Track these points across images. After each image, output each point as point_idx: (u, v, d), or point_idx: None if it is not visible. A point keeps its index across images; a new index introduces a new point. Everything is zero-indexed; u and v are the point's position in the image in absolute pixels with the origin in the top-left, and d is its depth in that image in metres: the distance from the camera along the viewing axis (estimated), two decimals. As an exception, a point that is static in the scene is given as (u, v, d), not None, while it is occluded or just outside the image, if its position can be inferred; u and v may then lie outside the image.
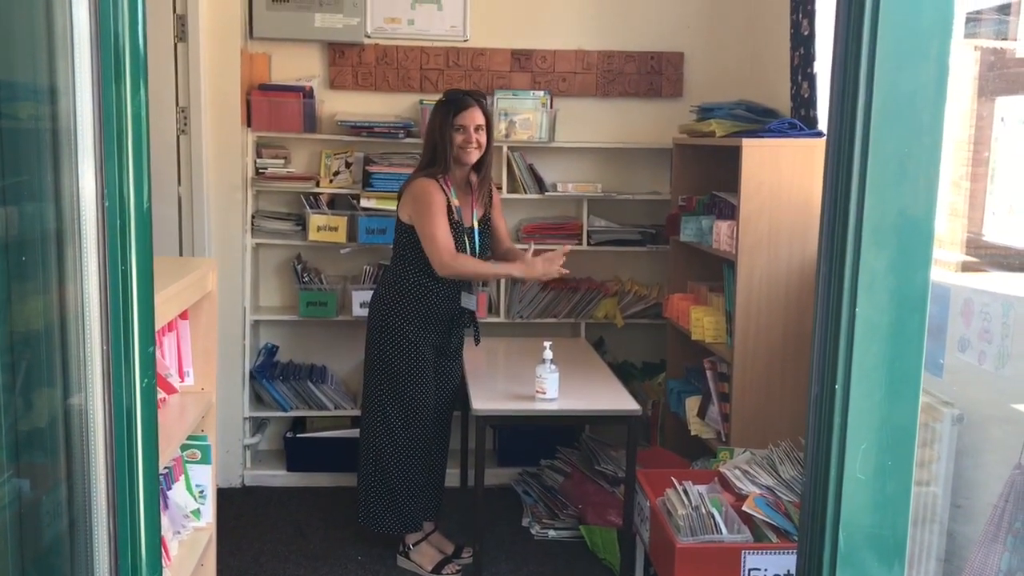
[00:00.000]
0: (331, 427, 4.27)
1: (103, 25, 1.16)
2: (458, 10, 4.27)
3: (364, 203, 4.14)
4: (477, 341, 3.59)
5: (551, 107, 4.27)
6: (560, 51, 4.33)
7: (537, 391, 3.21)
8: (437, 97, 3.46)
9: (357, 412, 4.19)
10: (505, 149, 4.20)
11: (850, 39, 1.15)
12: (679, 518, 2.76)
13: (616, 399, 3.31)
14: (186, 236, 4.04)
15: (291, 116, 4.09)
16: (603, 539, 3.59)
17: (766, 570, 2.66)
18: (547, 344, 3.24)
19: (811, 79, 3.57)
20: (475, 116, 3.27)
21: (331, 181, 4.22)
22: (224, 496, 3.95)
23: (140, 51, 1.21)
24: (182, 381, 2.41)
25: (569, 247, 3.41)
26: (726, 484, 3.00)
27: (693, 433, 3.74)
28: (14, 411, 1.25)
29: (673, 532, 2.74)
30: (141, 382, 1.25)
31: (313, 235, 4.15)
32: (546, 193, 4.24)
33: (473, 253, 3.35)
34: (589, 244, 4.30)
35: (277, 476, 4.26)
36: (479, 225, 3.40)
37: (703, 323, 3.63)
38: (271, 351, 4.39)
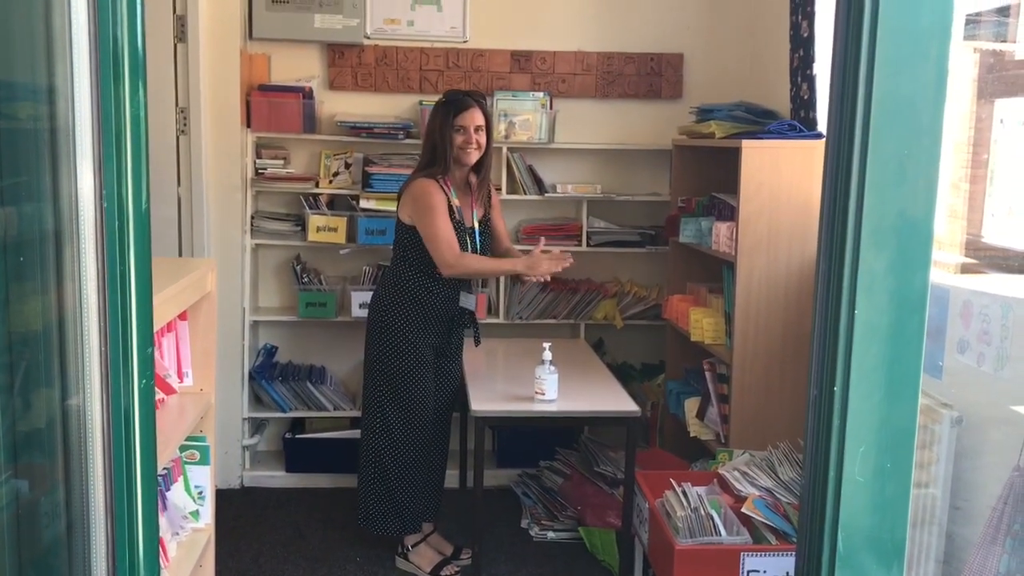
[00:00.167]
0: (330, 428, 4.27)
1: (102, 26, 1.16)
2: (458, 11, 4.27)
3: (363, 204, 4.14)
4: (477, 342, 3.59)
5: (551, 108, 4.27)
6: (560, 52, 4.33)
7: (536, 392, 3.21)
8: (436, 98, 3.46)
9: (356, 413, 4.19)
10: (505, 150, 4.20)
11: (849, 41, 1.15)
12: (678, 520, 2.75)
13: (615, 400, 3.30)
14: (185, 236, 4.04)
15: (291, 117, 4.09)
16: (602, 541, 3.59)
17: (765, 572, 2.66)
18: (546, 345, 3.24)
19: (810, 81, 3.57)
20: (475, 117, 3.27)
21: (330, 182, 4.22)
22: (223, 497, 3.95)
23: (139, 52, 1.21)
24: (181, 382, 2.41)
25: (571, 260, 3.35)
26: (725, 486, 3.00)
27: (692, 434, 3.74)
28: (12, 412, 1.25)
29: (672, 534, 2.74)
30: (139, 383, 1.25)
31: (312, 236, 4.15)
32: (546, 194, 4.24)
33: (474, 253, 3.35)
34: (588, 245, 4.30)
35: (276, 477, 4.25)
36: (479, 225, 3.40)
37: (702, 324, 3.63)
38: (270, 352, 4.39)
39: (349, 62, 4.26)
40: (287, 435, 4.27)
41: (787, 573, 2.65)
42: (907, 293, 1.16)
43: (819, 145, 3.26)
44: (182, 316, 2.37)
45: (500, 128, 4.18)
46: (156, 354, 2.19)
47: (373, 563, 3.52)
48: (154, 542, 1.31)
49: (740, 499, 2.87)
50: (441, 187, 3.26)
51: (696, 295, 3.93)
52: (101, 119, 1.17)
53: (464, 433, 4.05)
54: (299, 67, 4.26)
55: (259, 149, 4.24)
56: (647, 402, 4.23)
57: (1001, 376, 2.24)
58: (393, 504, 3.39)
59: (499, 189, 4.15)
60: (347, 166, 4.24)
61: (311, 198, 4.19)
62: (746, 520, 2.79)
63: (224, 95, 4.01)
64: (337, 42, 4.20)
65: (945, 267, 2.61)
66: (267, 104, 4.09)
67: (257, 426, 4.36)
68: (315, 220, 4.13)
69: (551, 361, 3.21)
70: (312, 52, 4.27)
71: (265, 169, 4.18)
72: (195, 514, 2.42)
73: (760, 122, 3.61)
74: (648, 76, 4.37)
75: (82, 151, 1.18)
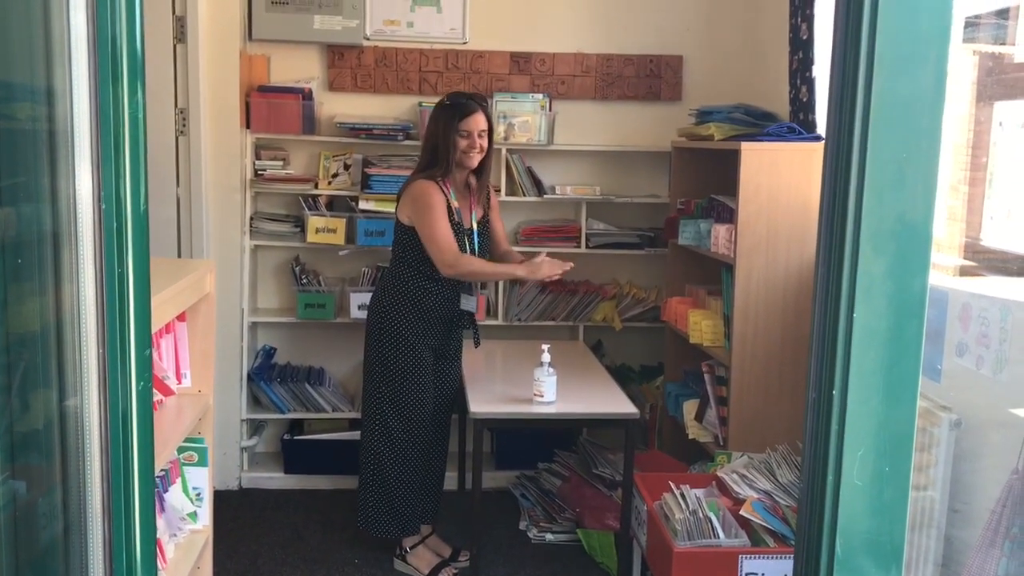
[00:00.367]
0: (329, 429, 4.27)
1: (100, 27, 1.16)
2: (457, 13, 4.28)
3: (363, 205, 4.14)
4: (477, 343, 3.59)
5: (550, 110, 4.27)
6: (559, 54, 4.33)
7: (535, 394, 3.21)
8: (436, 99, 3.46)
9: (355, 414, 4.19)
10: (504, 151, 4.20)
11: (849, 43, 1.15)
12: (676, 522, 2.75)
13: (614, 402, 3.30)
14: (184, 237, 4.04)
15: (290, 118, 4.09)
16: (600, 543, 3.58)
17: (763, 575, 2.65)
18: (545, 347, 3.24)
19: (810, 83, 3.57)
20: (479, 122, 3.27)
21: (330, 183, 4.22)
22: (221, 498, 3.94)
23: (137, 53, 1.21)
24: (179, 383, 2.41)
25: (570, 265, 3.37)
26: (724, 488, 2.99)
27: (691, 437, 3.74)
28: (10, 413, 1.25)
29: (670, 536, 2.73)
30: (137, 384, 1.25)
31: (311, 237, 4.15)
32: (545, 196, 4.24)
33: (473, 254, 3.35)
34: (587, 247, 4.30)
35: (274, 478, 4.25)
36: (478, 227, 3.40)
37: (701, 326, 3.63)
38: (269, 353, 4.39)
39: (348, 63, 4.26)
40: (286, 436, 4.26)
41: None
42: (906, 296, 1.16)
43: (818, 147, 3.26)
44: (181, 317, 2.37)
45: (499, 129, 4.17)
46: (154, 355, 2.19)
47: (371, 565, 3.52)
48: (151, 543, 1.31)
49: (739, 502, 2.87)
50: (440, 188, 3.26)
51: (695, 297, 3.93)
52: (100, 120, 1.17)
53: (463, 435, 4.05)
54: (298, 68, 4.26)
55: (258, 150, 4.24)
56: (646, 404, 4.23)
57: (1000, 379, 2.24)
58: (391, 506, 3.38)
59: (498, 190, 4.15)
60: (346, 167, 4.24)
61: (310, 199, 4.19)
62: (744, 523, 2.79)
63: (223, 96, 4.01)
64: (337, 43, 4.20)
65: (944, 270, 2.61)
66: (266, 105, 4.09)
67: (256, 427, 4.36)
68: (314, 221, 4.13)
69: (550, 363, 3.21)
70: (312, 53, 4.27)
71: (264, 170, 4.18)
72: (193, 515, 2.42)
73: (759, 124, 3.61)
74: (647, 78, 4.37)
75: (81, 152, 1.18)
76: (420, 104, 4.20)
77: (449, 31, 4.29)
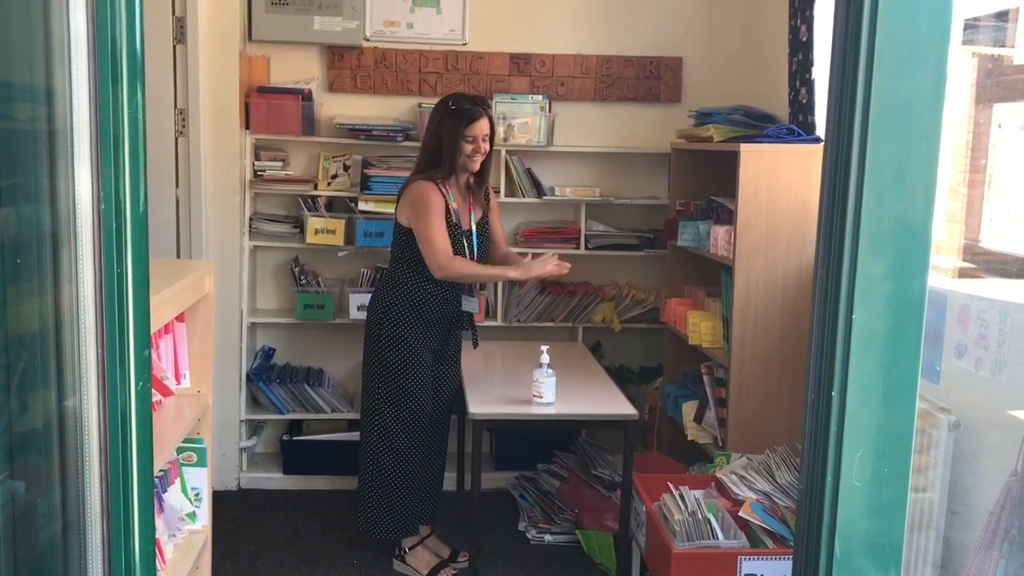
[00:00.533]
0: (328, 430, 4.27)
1: (100, 28, 1.16)
2: (457, 14, 4.28)
3: (362, 206, 4.14)
4: (475, 344, 3.59)
5: (549, 111, 4.27)
6: (559, 55, 4.34)
7: (534, 395, 3.21)
8: (435, 100, 3.44)
9: (354, 415, 4.19)
10: (503, 153, 4.20)
11: (848, 45, 1.15)
12: (675, 523, 2.75)
13: (613, 403, 3.30)
14: (184, 238, 4.04)
15: (289, 119, 4.09)
16: (599, 544, 3.58)
17: (762, 576, 2.66)
18: (544, 348, 3.24)
19: (809, 85, 3.57)
20: (485, 127, 3.28)
21: (329, 184, 4.22)
22: (220, 499, 3.94)
23: (137, 54, 1.21)
24: (178, 383, 2.41)
25: (568, 267, 3.39)
26: (723, 489, 2.99)
27: (690, 438, 3.74)
28: (9, 413, 1.25)
29: (669, 537, 2.73)
30: (136, 385, 1.25)
31: (311, 238, 4.15)
32: (544, 197, 4.24)
33: (472, 256, 3.35)
34: (587, 248, 4.30)
35: (273, 479, 4.25)
36: (477, 228, 3.40)
37: (700, 328, 3.63)
38: (268, 354, 4.39)
39: (348, 64, 4.26)
40: (285, 437, 4.26)
41: (784, 577, 2.65)
42: (905, 298, 1.16)
43: (817, 149, 3.27)
44: (180, 318, 2.37)
45: (499, 131, 4.17)
46: (154, 356, 2.19)
47: (370, 566, 3.52)
48: (150, 544, 1.31)
49: (737, 503, 2.87)
50: (440, 190, 3.26)
51: (694, 298, 3.94)
52: (99, 120, 1.17)
53: (462, 436, 4.05)
54: (298, 69, 4.26)
55: (258, 151, 4.24)
56: (645, 405, 4.23)
57: (999, 381, 2.24)
58: (390, 506, 3.38)
59: (498, 192, 4.15)
60: (346, 168, 4.24)
61: (309, 200, 4.19)
62: (743, 524, 2.79)
63: (223, 97, 4.01)
64: (336, 44, 4.20)
65: (943, 271, 2.61)
66: (266, 106, 4.09)
67: (255, 428, 4.36)
68: (313, 222, 4.13)
69: (549, 364, 3.21)
70: (311, 54, 4.27)
71: (264, 171, 4.18)
72: (192, 516, 2.42)
73: (758, 126, 3.61)
74: (647, 79, 4.37)
75: (80, 152, 1.18)
76: (420, 105, 4.20)
77: (449, 32, 4.29)
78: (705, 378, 3.62)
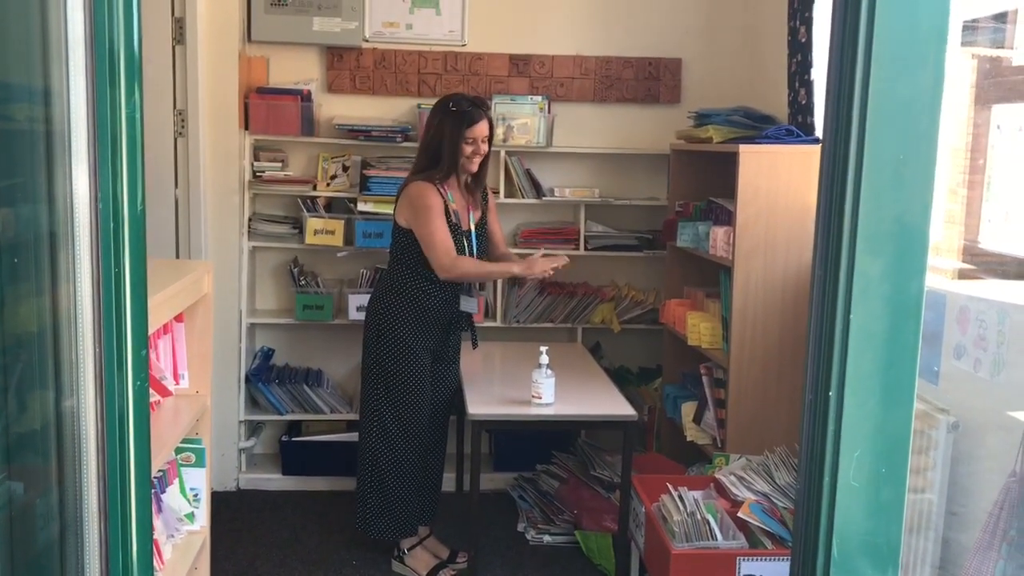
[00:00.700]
0: (327, 431, 4.26)
1: (98, 28, 1.16)
2: (456, 15, 4.28)
3: (361, 207, 4.14)
4: (475, 344, 3.59)
5: (549, 112, 4.27)
6: (558, 56, 4.34)
7: (533, 396, 3.21)
8: (434, 101, 3.44)
9: (353, 416, 4.18)
10: (503, 154, 4.20)
11: (845, 46, 1.15)
12: (674, 524, 2.75)
13: (612, 404, 3.30)
14: (183, 239, 4.04)
15: (289, 119, 4.09)
16: (598, 545, 3.58)
17: (761, 577, 2.65)
18: (543, 349, 3.24)
19: (808, 86, 3.58)
20: (484, 129, 3.28)
21: (328, 184, 4.22)
22: (219, 500, 3.94)
23: (135, 54, 1.21)
24: (177, 384, 2.41)
25: (566, 260, 3.41)
26: (722, 490, 2.99)
27: (689, 439, 3.74)
28: (6, 413, 1.25)
29: (668, 538, 2.73)
30: (134, 385, 1.25)
31: (310, 238, 4.15)
32: (543, 198, 4.24)
33: (471, 256, 3.35)
34: (586, 249, 4.30)
35: (272, 480, 4.25)
36: (476, 228, 3.41)
37: (699, 329, 3.63)
38: (267, 354, 4.39)
39: (347, 65, 4.26)
40: (284, 438, 4.26)
41: (783, 578, 2.65)
42: (902, 298, 1.16)
43: (817, 150, 3.24)
44: (179, 318, 2.37)
45: (498, 131, 4.17)
46: (152, 356, 2.19)
47: (369, 566, 3.52)
48: (148, 544, 1.30)
49: (736, 504, 2.87)
50: (438, 190, 3.27)
51: (693, 299, 3.93)
52: (96, 120, 1.17)
53: (461, 436, 4.05)
54: (297, 70, 4.26)
55: (257, 151, 4.24)
56: (644, 406, 4.23)
57: (998, 381, 2.24)
58: (389, 507, 3.38)
59: (497, 192, 4.15)
60: (345, 169, 4.24)
61: (309, 201, 4.19)
62: (742, 525, 2.79)
63: (222, 97, 4.01)
64: (336, 45, 4.20)
65: (942, 272, 2.61)
66: (265, 106, 4.09)
67: (253, 429, 4.36)
68: (313, 223, 4.13)
69: (548, 365, 3.21)
70: (311, 55, 4.27)
71: (263, 171, 4.18)
72: (190, 516, 2.42)
73: (758, 127, 3.61)
74: (646, 80, 4.37)
75: (78, 152, 1.18)
76: (419, 106, 4.19)
77: (448, 33, 4.29)
78: (704, 379, 3.61)
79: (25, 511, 1.28)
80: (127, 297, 1.23)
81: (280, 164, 4.23)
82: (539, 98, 4.26)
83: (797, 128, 3.50)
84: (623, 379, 4.32)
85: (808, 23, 3.58)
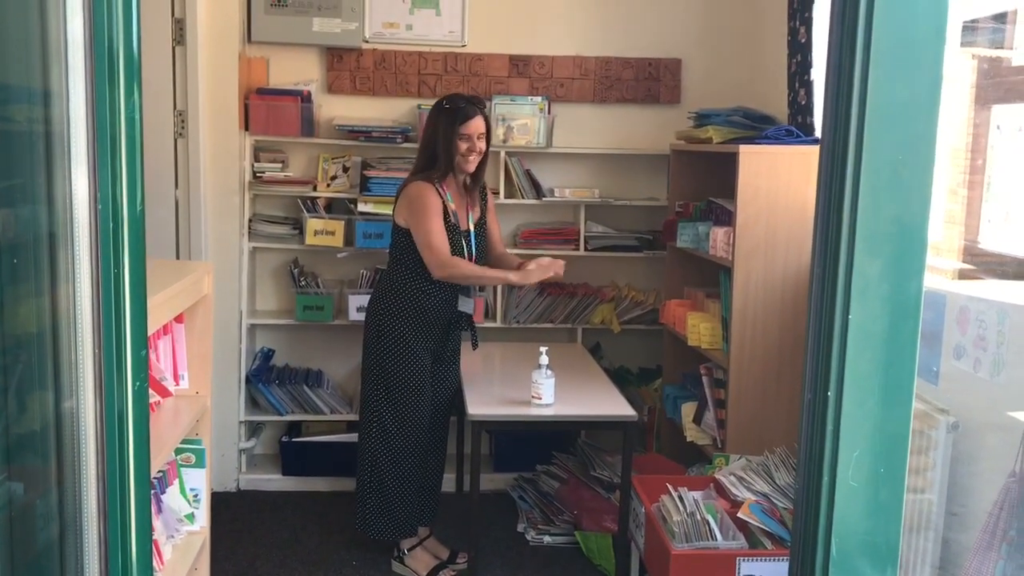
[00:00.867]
0: (327, 431, 4.27)
1: (97, 29, 1.16)
2: (456, 15, 4.28)
3: (361, 207, 4.14)
4: (475, 345, 3.59)
5: (549, 112, 4.27)
6: (558, 57, 4.34)
7: (533, 396, 3.21)
8: (434, 102, 3.44)
9: (353, 416, 4.18)
10: (503, 154, 4.20)
11: (844, 46, 1.15)
12: (674, 524, 2.75)
13: (612, 405, 3.30)
14: (183, 239, 4.04)
15: (289, 120, 4.09)
16: (598, 545, 3.58)
17: (761, 577, 2.65)
18: (543, 349, 3.24)
19: (808, 86, 3.58)
20: (479, 125, 3.28)
21: (328, 185, 4.22)
22: (219, 500, 3.94)
23: (134, 55, 1.21)
24: (177, 384, 2.41)
25: (562, 264, 3.41)
26: (721, 490, 2.99)
27: (689, 439, 3.74)
28: (6, 414, 1.25)
29: (668, 538, 2.73)
30: (133, 385, 1.25)
31: (310, 239, 4.15)
32: (543, 198, 4.24)
33: (470, 256, 3.35)
34: (586, 249, 4.30)
35: (272, 480, 4.25)
36: (475, 228, 3.41)
37: (699, 329, 3.63)
38: (267, 355, 4.39)
39: (347, 66, 4.26)
40: (284, 438, 4.26)
41: (783, 578, 2.65)
42: (901, 298, 1.16)
43: (817, 150, 3.26)
44: (179, 319, 2.37)
45: (498, 132, 4.17)
46: (152, 357, 2.19)
47: (369, 567, 3.52)
48: (147, 544, 1.31)
49: (736, 504, 2.87)
50: (437, 190, 3.27)
51: (693, 300, 3.94)
52: (96, 121, 1.17)
53: (461, 437, 4.05)
54: (297, 70, 4.26)
55: (257, 152, 4.24)
56: (644, 407, 4.23)
57: (997, 382, 2.24)
58: (389, 508, 3.38)
59: (497, 193, 4.15)
60: (345, 169, 4.24)
61: (309, 201, 4.19)
62: (742, 525, 2.79)
63: (222, 98, 4.01)
64: (336, 46, 4.20)
65: (942, 273, 2.61)
66: (265, 107, 4.09)
67: (254, 429, 4.36)
68: (313, 223, 4.13)
69: (548, 365, 3.21)
70: (311, 55, 4.27)
71: (263, 172, 4.18)
72: (190, 517, 2.42)
73: (758, 127, 3.61)
74: (646, 81, 4.38)
75: (77, 153, 1.18)
76: (419, 106, 4.19)
77: (448, 34, 4.29)
78: (704, 379, 3.62)
79: (25, 512, 1.28)
80: (127, 298, 1.23)
81: (280, 165, 4.23)
82: (539, 99, 4.26)
83: (797, 128, 3.50)
84: (623, 379, 4.32)
85: (808, 23, 3.58)
